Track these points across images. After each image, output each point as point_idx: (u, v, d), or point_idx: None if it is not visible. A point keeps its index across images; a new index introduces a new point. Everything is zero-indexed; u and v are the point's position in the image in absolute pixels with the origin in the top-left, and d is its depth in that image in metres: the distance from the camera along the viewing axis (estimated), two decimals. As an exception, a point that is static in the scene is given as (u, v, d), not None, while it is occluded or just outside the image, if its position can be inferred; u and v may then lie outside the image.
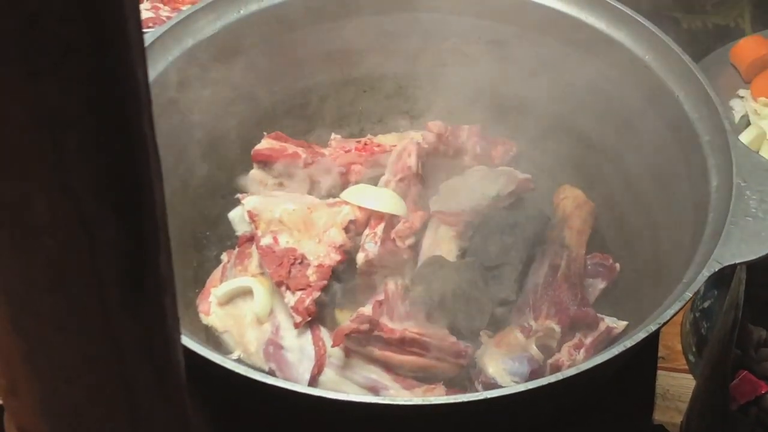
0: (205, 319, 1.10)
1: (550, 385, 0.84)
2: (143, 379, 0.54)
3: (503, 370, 0.99)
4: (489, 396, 0.83)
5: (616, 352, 0.86)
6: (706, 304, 1.75)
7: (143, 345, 0.52)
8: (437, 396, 0.99)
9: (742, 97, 1.53)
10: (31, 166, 0.42)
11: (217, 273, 1.14)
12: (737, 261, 0.92)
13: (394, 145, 1.22)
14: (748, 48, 1.66)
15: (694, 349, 1.81)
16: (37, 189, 0.43)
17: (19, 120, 0.40)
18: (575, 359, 1.03)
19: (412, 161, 1.17)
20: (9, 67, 0.39)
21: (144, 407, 0.55)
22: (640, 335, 0.87)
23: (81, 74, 0.41)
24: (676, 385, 1.64)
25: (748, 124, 1.52)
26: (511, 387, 0.84)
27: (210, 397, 0.98)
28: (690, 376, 1.83)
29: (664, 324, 0.89)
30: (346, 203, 1.14)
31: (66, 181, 0.43)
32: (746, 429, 1.40)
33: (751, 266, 1.24)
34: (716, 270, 0.91)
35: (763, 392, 1.41)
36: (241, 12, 1.20)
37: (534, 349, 1.02)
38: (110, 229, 0.46)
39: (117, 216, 0.46)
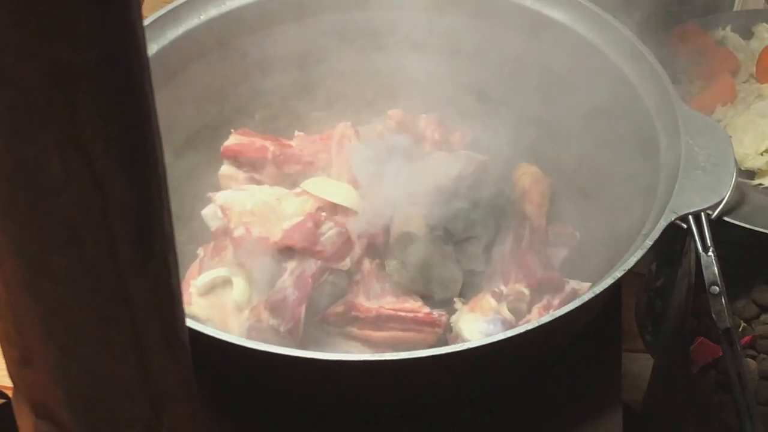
0: (187, 309, 1.13)
1: (529, 332, 0.88)
2: (153, 337, 0.54)
3: (479, 332, 1.03)
4: (477, 345, 0.87)
5: (587, 299, 0.91)
6: (659, 283, 1.81)
7: (152, 301, 0.53)
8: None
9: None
10: (45, 124, 0.43)
11: (194, 266, 1.17)
12: (692, 210, 0.97)
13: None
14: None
15: (650, 329, 1.87)
16: (51, 147, 0.43)
17: (33, 79, 0.42)
18: (545, 319, 1.08)
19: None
20: (24, 26, 0.40)
21: (155, 365, 0.55)
22: (608, 281, 0.92)
23: (91, 34, 0.42)
24: (636, 365, 1.68)
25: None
26: (494, 335, 0.88)
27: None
28: (648, 356, 1.89)
29: (627, 270, 0.93)
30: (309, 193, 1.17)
31: (79, 139, 0.44)
32: (707, 390, 1.45)
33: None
34: (672, 219, 0.96)
35: (720, 355, 1.46)
36: (202, 17, 1.24)
37: (506, 312, 1.06)
38: (121, 186, 0.47)
39: (127, 172, 0.47)
